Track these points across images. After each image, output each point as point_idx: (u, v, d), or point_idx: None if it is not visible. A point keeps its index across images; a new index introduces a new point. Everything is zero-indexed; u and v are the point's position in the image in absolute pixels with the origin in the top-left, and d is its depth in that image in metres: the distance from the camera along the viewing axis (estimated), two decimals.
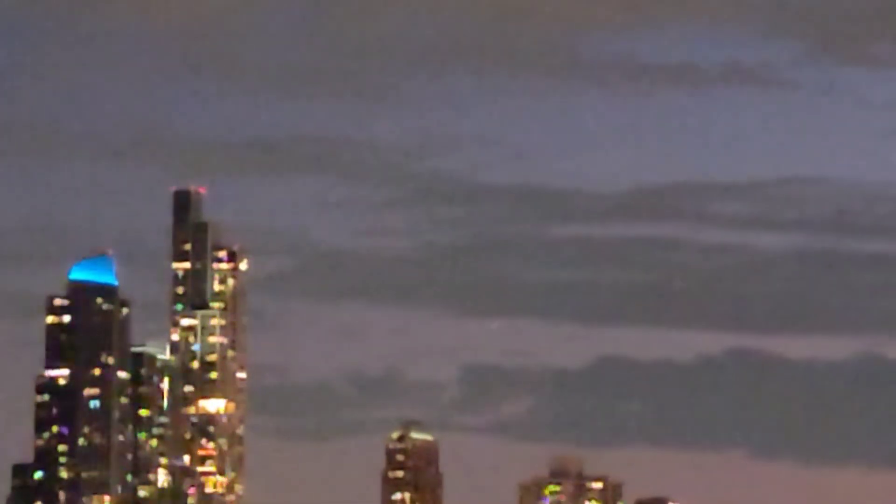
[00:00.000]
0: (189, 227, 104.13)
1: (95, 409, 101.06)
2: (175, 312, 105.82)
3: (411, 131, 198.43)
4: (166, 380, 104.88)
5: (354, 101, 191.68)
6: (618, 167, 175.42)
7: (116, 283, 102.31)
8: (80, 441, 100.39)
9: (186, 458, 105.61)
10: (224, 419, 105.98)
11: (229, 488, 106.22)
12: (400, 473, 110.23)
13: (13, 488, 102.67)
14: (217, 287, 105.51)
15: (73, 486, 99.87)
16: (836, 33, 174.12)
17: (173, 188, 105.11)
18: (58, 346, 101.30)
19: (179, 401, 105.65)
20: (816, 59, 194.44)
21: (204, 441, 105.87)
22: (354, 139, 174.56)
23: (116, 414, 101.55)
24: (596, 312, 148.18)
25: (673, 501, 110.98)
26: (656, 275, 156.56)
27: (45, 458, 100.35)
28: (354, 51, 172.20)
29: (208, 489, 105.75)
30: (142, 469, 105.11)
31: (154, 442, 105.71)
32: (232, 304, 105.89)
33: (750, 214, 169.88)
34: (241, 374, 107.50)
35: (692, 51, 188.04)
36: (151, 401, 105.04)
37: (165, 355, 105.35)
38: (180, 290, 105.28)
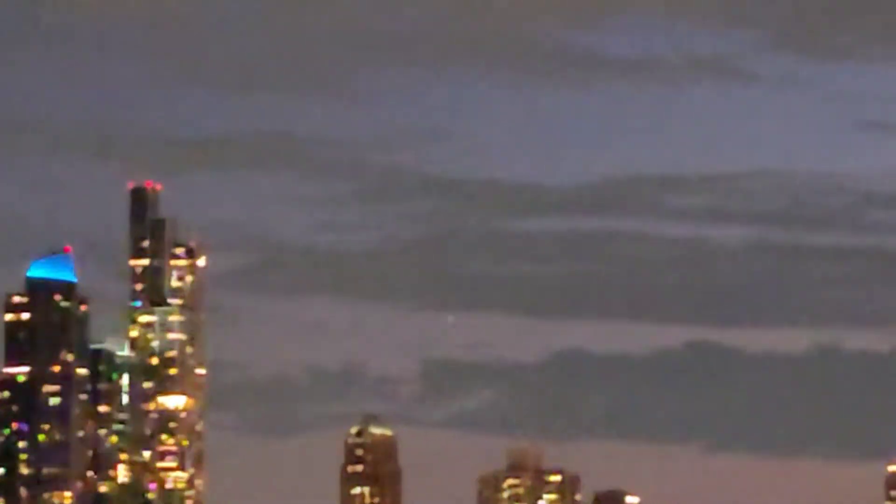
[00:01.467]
0: (147, 223, 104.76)
1: (55, 405, 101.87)
2: (133, 309, 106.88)
3: (369, 126, 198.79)
4: (125, 376, 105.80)
5: (312, 96, 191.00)
6: (577, 161, 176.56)
7: (75, 280, 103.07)
8: (41, 437, 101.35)
9: (147, 454, 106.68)
10: (184, 415, 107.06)
11: (189, 484, 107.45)
12: (359, 468, 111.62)
13: None
14: (175, 283, 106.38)
15: (34, 482, 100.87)
16: (798, 24, 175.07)
17: (131, 185, 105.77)
18: (17, 344, 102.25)
19: (139, 397, 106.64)
20: (777, 50, 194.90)
21: (164, 437, 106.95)
22: (313, 135, 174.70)
23: (76, 410, 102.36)
24: (553, 306, 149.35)
25: (630, 494, 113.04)
26: (614, 268, 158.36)
27: (6, 454, 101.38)
28: (311, 45, 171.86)
29: (169, 485, 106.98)
30: (102, 465, 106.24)
31: (114, 438, 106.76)
32: (191, 301, 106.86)
33: (709, 207, 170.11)
34: (201, 371, 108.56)
35: (652, 44, 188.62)
36: (111, 397, 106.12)
37: (125, 352, 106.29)
38: (139, 286, 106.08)
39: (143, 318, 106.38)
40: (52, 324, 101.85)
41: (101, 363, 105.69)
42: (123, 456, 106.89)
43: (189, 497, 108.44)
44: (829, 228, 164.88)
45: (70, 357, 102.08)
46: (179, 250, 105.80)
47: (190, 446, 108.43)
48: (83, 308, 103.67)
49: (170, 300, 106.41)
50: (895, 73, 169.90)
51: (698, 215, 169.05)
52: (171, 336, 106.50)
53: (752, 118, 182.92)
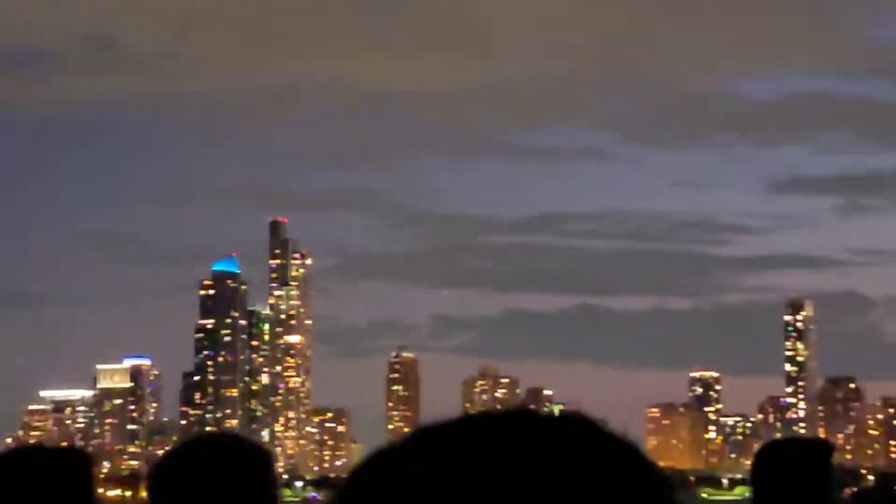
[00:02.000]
0: (279, 240, 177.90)
1: (228, 341, 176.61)
2: (271, 288, 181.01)
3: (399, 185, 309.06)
4: (267, 325, 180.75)
5: (377, 171, 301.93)
6: (512, 205, 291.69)
7: (238, 270, 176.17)
8: (220, 359, 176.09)
9: (279, 369, 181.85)
10: (299, 347, 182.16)
11: (302, 384, 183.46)
12: (396, 375, 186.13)
13: (183, 388, 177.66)
14: (294, 273, 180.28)
15: (216, 384, 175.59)
16: (639, 127, 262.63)
17: (269, 219, 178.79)
18: (206, 307, 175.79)
19: (274, 336, 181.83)
20: (629, 143, 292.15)
21: (288, 359, 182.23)
22: (387, 191, 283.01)
23: (239, 344, 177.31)
24: (507, 282, 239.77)
25: (548, 390, 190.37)
26: (538, 263, 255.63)
27: (200, 369, 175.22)
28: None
29: (291, 385, 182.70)
30: (254, 374, 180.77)
31: (260, 359, 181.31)
32: (303, 284, 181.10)
33: (590, 230, 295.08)
34: (309, 322, 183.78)
35: (557, 138, 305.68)
36: (259, 337, 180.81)
37: (266, 311, 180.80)
38: (274, 275, 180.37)
39: (277, 293, 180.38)
40: (226, 296, 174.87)
41: (254, 318, 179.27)
42: (266, 369, 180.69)
43: (302, 392, 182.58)
44: (655, 240, 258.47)
45: (236, 314, 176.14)
46: (296, 255, 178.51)
47: (302, 364, 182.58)
48: (243, 287, 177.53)
49: (291, 283, 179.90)
50: (694, 155, 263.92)
51: (585, 235, 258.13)
52: (292, 303, 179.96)
53: (614, 180, 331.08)
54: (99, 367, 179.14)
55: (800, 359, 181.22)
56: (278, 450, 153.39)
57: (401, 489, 0.62)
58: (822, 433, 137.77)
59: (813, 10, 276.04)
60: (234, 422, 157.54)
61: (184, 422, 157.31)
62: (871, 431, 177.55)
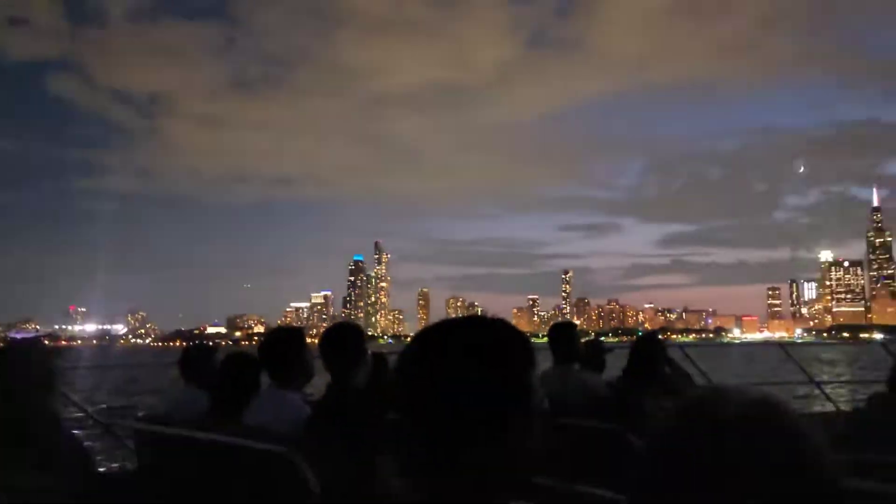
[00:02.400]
0: (377, 247, 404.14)
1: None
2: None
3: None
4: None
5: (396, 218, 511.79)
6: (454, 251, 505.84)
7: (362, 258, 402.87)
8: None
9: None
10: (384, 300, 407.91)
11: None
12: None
13: None
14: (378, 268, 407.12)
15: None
16: (504, 190, 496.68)
17: (375, 240, 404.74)
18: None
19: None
20: (496, 202, 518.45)
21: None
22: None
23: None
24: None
25: None
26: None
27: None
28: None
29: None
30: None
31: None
32: (385, 271, 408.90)
33: (475, 259, 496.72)
34: (384, 284, 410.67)
35: (482, 225, 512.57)
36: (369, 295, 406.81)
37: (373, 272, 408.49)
38: (377, 268, 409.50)
39: (372, 271, 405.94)
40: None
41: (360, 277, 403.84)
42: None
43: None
44: (522, 264, 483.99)
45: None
46: (384, 255, 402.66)
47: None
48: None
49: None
50: (525, 221, 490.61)
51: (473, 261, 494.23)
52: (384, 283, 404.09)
53: (492, 229, 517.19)
54: None
55: None
56: None
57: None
58: None
59: None
60: None
61: None
62: None
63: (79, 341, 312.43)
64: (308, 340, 3.35)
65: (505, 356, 0.96)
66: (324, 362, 2.97)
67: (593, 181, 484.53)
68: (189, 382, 4.00)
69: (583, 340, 4.86)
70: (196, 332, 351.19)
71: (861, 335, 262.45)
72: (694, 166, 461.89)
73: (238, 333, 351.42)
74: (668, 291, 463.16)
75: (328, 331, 3.08)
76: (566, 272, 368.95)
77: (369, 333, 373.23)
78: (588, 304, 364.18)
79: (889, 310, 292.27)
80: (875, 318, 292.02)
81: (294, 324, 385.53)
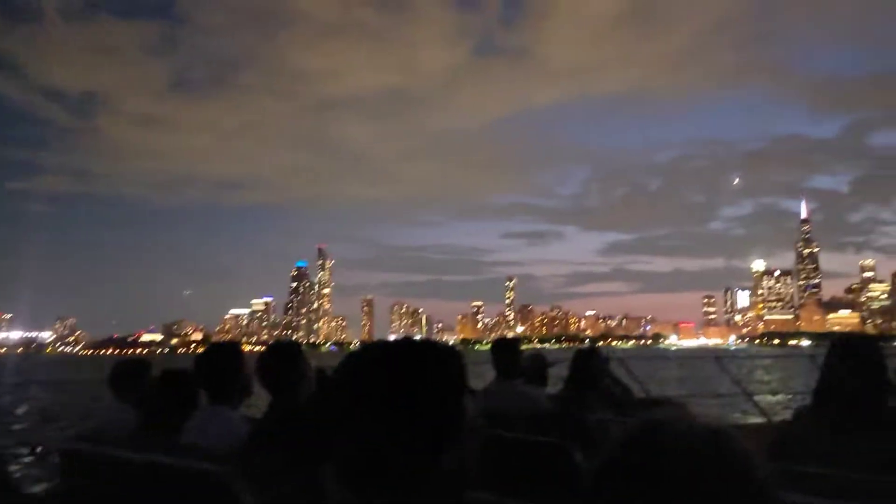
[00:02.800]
0: (319, 254, 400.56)
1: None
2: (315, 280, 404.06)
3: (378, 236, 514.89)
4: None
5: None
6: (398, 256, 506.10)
7: (306, 264, 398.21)
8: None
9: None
10: (327, 308, 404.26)
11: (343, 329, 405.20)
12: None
13: None
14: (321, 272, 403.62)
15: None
16: (446, 201, 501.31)
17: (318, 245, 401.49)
18: (292, 289, 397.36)
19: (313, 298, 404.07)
20: (431, 209, 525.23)
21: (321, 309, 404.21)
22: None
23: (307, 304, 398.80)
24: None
25: None
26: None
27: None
28: None
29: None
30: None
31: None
32: (328, 275, 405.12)
33: (413, 267, 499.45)
34: (327, 291, 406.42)
35: (425, 233, 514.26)
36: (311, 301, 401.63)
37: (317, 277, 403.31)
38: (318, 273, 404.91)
39: (315, 277, 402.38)
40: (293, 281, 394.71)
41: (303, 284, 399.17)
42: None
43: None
44: (466, 271, 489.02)
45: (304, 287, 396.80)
46: (328, 262, 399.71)
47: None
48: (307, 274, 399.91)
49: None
50: (470, 228, 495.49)
51: (418, 268, 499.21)
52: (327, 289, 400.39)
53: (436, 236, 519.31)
54: None
55: None
56: None
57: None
58: None
59: None
60: None
61: None
62: None
63: (3, 349, 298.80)
64: (247, 348, 3.25)
65: (438, 379, 0.97)
66: (264, 380, 2.90)
67: (537, 189, 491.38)
68: (120, 399, 3.85)
69: (526, 353, 4.87)
70: (130, 339, 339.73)
71: (790, 342, 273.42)
72: (635, 176, 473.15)
73: (174, 341, 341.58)
74: (608, 299, 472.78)
75: (269, 348, 3.01)
76: (510, 279, 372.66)
77: (311, 341, 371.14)
78: (531, 310, 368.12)
79: (815, 318, 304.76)
80: (803, 326, 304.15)
81: (234, 330, 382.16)
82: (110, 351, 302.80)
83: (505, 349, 4.71)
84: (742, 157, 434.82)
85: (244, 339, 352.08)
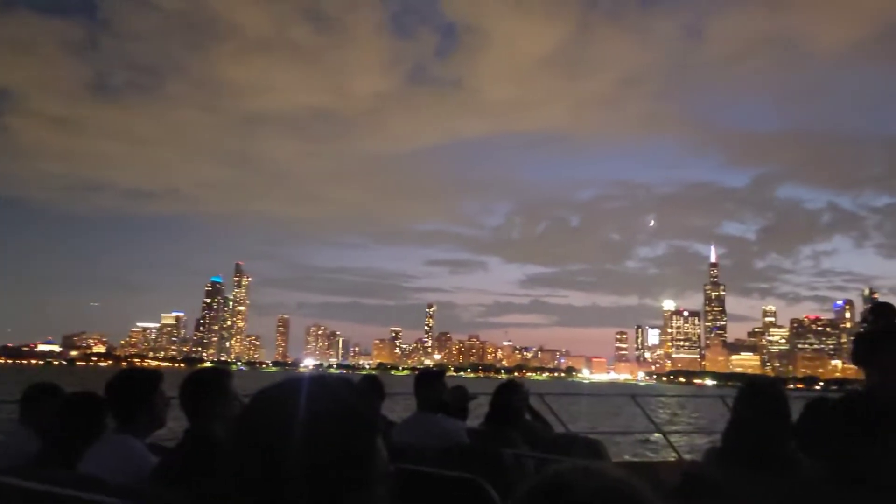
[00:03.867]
0: (237, 269, 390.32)
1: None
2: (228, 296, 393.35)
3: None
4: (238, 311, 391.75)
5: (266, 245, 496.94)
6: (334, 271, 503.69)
7: (221, 280, 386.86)
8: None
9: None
10: (242, 326, 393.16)
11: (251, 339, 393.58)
12: None
13: None
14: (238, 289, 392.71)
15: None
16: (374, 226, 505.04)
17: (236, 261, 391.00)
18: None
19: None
20: (358, 232, 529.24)
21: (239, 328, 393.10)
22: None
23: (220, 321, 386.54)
24: None
25: None
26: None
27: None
28: None
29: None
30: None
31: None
32: (245, 292, 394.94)
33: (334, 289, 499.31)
34: (243, 308, 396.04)
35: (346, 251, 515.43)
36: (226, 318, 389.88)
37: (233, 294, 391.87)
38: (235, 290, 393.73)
39: (231, 294, 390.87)
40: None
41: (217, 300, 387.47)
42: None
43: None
44: (387, 295, 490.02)
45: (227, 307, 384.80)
46: (244, 278, 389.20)
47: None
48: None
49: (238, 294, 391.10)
50: (393, 253, 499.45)
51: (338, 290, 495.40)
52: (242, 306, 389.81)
53: (359, 259, 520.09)
54: None
55: None
56: None
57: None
58: None
59: None
60: None
61: None
62: None
63: None
64: (154, 364, 3.08)
65: (349, 421, 0.94)
66: (182, 406, 2.76)
67: (462, 219, 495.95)
68: (25, 423, 3.61)
69: (448, 387, 4.83)
70: (25, 348, 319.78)
71: (695, 380, 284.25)
72: (556, 212, 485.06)
73: (74, 353, 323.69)
74: (526, 330, 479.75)
75: (191, 374, 2.87)
76: (430, 306, 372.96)
77: (222, 359, 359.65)
78: (450, 338, 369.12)
79: (720, 358, 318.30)
80: (708, 366, 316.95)
81: (140, 345, 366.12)
82: (2, 360, 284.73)
83: (428, 382, 4.63)
84: (658, 200, 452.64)
85: (150, 354, 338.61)
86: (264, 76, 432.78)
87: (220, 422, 2.67)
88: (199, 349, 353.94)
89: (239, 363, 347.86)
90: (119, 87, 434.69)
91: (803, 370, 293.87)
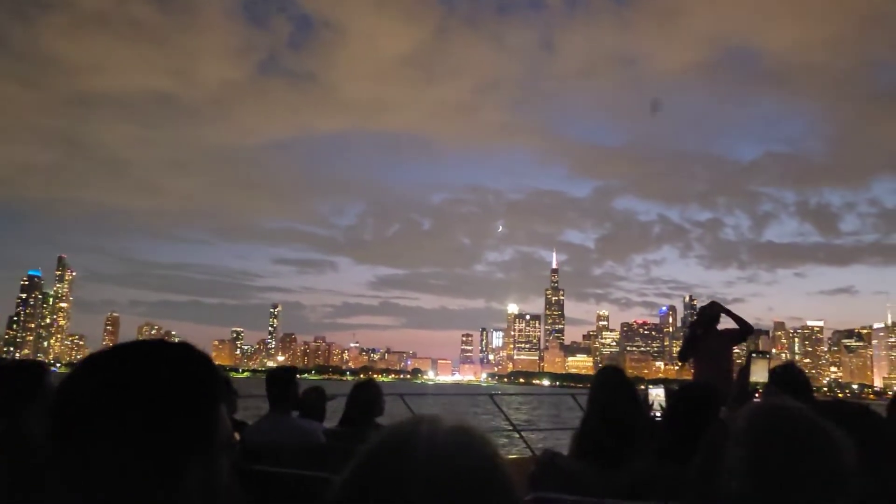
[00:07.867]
0: (61, 261, 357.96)
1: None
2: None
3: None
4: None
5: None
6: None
7: (40, 273, 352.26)
8: None
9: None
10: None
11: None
12: None
13: None
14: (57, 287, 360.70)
15: None
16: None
17: (59, 255, 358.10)
18: None
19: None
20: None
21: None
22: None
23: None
24: None
25: None
26: None
27: None
28: None
29: None
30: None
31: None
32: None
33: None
34: (64, 304, 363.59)
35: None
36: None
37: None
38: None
39: (51, 290, 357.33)
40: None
41: (35, 295, 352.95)
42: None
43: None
44: (229, 294, 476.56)
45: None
46: (68, 273, 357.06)
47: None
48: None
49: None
50: (237, 250, 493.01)
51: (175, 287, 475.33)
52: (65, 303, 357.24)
53: (200, 255, 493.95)
54: None
55: None
56: None
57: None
58: None
59: None
60: None
61: None
62: None
63: None
64: None
65: (185, 387, 0.91)
66: None
67: (312, 218, 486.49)
68: None
69: (305, 388, 4.74)
70: None
71: (534, 381, 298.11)
72: (408, 214, 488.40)
73: None
74: (375, 332, 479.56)
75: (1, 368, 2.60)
76: (275, 306, 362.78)
77: (39, 358, 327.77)
78: (294, 339, 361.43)
79: (557, 359, 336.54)
80: (546, 367, 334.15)
81: None
82: None
83: (279, 381, 4.54)
84: (508, 206, 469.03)
85: None
86: (98, 54, 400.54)
87: (30, 415, 2.46)
88: (12, 349, 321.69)
89: (58, 364, 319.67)
90: None
91: (630, 371, 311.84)
